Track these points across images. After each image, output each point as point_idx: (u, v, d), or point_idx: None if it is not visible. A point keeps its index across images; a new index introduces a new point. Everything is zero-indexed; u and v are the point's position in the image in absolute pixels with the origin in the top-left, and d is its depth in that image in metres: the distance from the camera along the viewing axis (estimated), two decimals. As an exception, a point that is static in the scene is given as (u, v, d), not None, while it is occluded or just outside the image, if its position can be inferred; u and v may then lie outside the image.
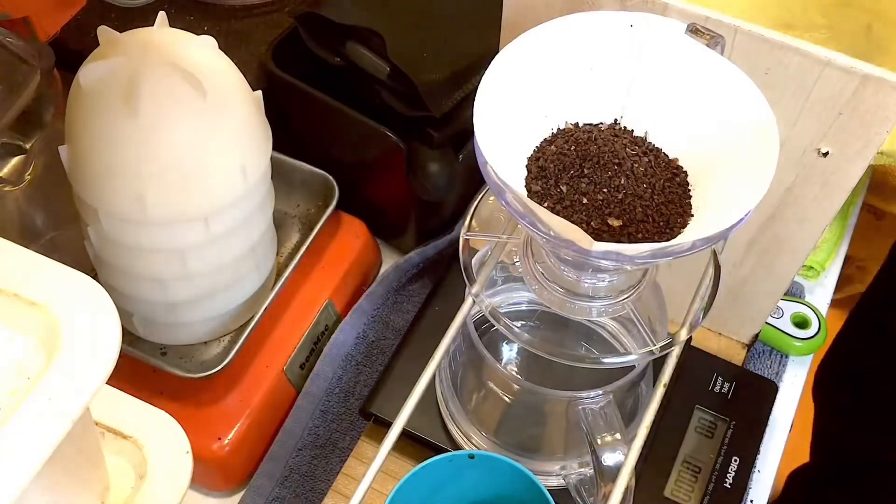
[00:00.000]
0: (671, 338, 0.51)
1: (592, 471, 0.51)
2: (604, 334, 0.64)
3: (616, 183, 0.46)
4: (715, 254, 0.54)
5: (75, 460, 0.41)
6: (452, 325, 0.54)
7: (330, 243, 0.72)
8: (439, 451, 0.60)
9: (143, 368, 0.62)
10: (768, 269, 0.63)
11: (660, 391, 0.53)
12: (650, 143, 0.49)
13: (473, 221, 0.55)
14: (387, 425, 0.53)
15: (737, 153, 0.46)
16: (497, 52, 0.47)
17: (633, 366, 0.56)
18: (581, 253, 0.41)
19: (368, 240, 0.74)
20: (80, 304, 0.37)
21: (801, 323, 0.72)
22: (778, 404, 0.67)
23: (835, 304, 0.80)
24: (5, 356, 0.38)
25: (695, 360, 0.67)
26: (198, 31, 0.56)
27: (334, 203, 0.68)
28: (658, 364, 0.55)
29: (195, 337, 0.63)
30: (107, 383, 0.36)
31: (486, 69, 0.46)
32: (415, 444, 0.63)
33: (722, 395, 0.66)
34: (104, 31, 0.53)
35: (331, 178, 0.69)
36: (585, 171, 0.47)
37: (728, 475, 0.62)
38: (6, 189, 0.65)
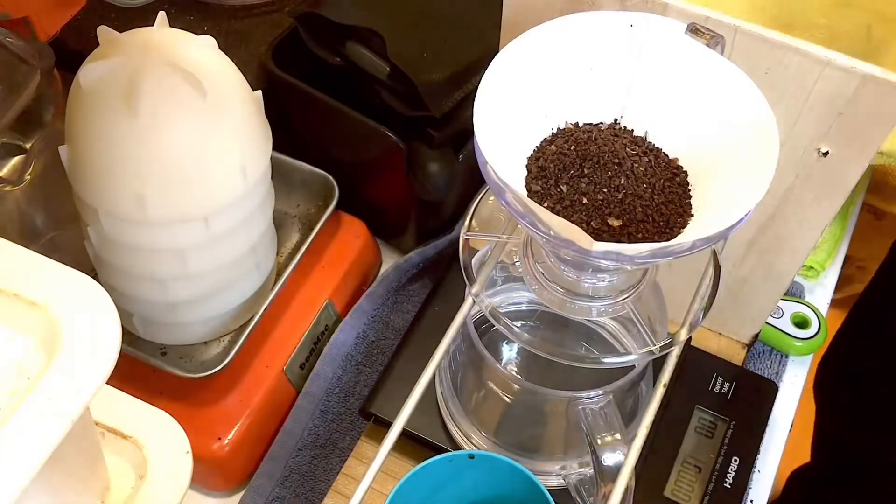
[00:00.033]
0: (671, 338, 0.51)
1: (592, 471, 0.51)
2: (604, 334, 0.64)
3: (616, 183, 0.46)
4: (715, 254, 0.54)
5: (75, 460, 0.41)
6: (452, 325, 0.54)
7: (330, 243, 0.72)
8: (439, 451, 0.60)
9: (143, 368, 0.62)
10: (768, 269, 0.63)
11: (660, 391, 0.53)
12: (650, 143, 0.49)
13: (473, 221, 0.55)
14: (387, 425, 0.53)
15: (737, 153, 0.46)
16: (497, 52, 0.47)
17: (633, 366, 0.56)
18: (581, 253, 0.41)
19: (368, 240, 0.74)
20: (80, 304, 0.37)
21: (801, 323, 0.72)
22: (778, 404, 0.67)
23: (835, 304, 0.80)
24: (5, 356, 0.38)
25: (695, 360, 0.67)
26: (198, 31, 0.56)
27: (334, 203, 0.68)
28: (658, 364, 0.55)
29: (195, 337, 0.63)
30: (107, 383, 0.36)
31: (486, 69, 0.46)
32: (415, 444, 0.63)
33: (722, 395, 0.66)
34: (104, 31, 0.53)
35: (331, 178, 0.69)
36: (585, 171, 0.47)
37: (728, 475, 0.62)
38: (6, 189, 0.65)
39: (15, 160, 0.65)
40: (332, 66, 0.68)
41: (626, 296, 0.51)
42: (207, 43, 0.55)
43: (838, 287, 0.79)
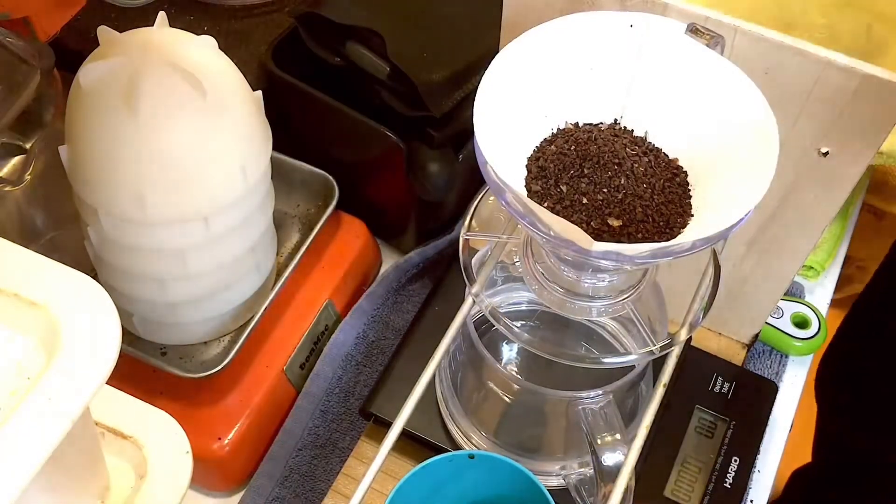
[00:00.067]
0: (671, 338, 0.51)
1: (592, 471, 0.51)
2: (604, 334, 0.64)
3: (616, 183, 0.46)
4: (715, 254, 0.54)
5: (75, 460, 0.41)
6: (452, 325, 0.54)
7: (330, 243, 0.72)
8: (439, 451, 0.60)
9: (143, 368, 0.62)
10: (768, 269, 0.63)
11: (660, 391, 0.53)
12: (650, 143, 0.49)
13: (473, 221, 0.55)
14: (387, 425, 0.53)
15: (737, 153, 0.46)
16: (497, 52, 0.47)
17: (633, 366, 0.56)
18: (581, 253, 0.41)
19: (368, 240, 0.74)
20: (80, 304, 0.37)
21: (801, 323, 0.72)
22: (778, 404, 0.67)
23: (835, 304, 0.80)
24: (5, 356, 0.38)
25: (695, 360, 0.67)
26: (198, 31, 0.56)
27: (334, 203, 0.68)
28: (658, 364, 0.55)
29: (195, 337, 0.63)
30: (107, 383, 0.36)
31: (486, 69, 0.46)
32: (415, 444, 0.63)
33: (722, 395, 0.66)
34: (104, 31, 0.53)
35: (331, 178, 0.69)
36: (585, 171, 0.47)
37: (728, 475, 0.62)
38: (6, 189, 0.65)
39: (15, 160, 0.65)
40: (332, 66, 0.68)
41: (626, 296, 0.51)
42: (207, 43, 0.55)
43: (838, 287, 0.79)
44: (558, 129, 0.49)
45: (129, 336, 0.63)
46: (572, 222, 0.40)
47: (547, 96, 0.48)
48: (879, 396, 0.87)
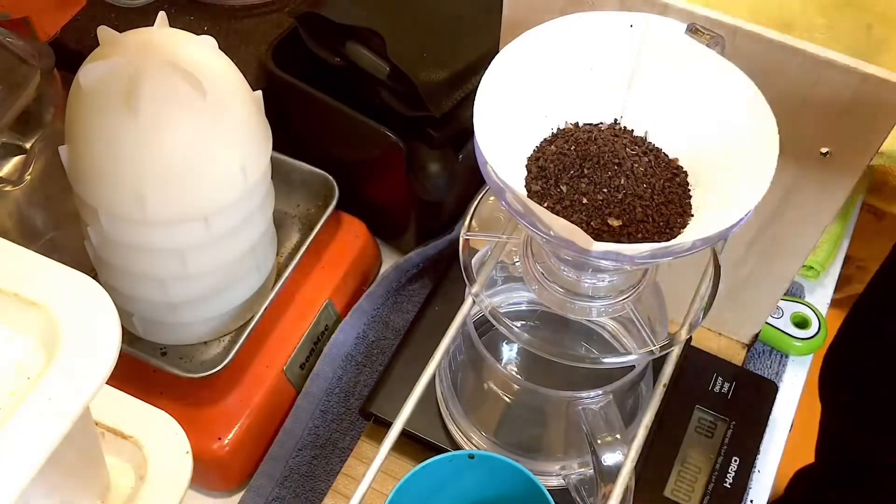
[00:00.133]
0: (671, 338, 0.51)
1: (592, 471, 0.51)
2: (604, 334, 0.64)
3: (616, 183, 0.46)
4: (715, 254, 0.54)
5: (75, 460, 0.41)
6: (452, 325, 0.54)
7: (330, 243, 0.72)
8: (439, 451, 0.60)
9: (143, 368, 0.62)
10: (768, 269, 0.63)
11: (660, 391, 0.53)
12: (650, 143, 0.49)
13: (473, 221, 0.55)
14: (387, 425, 0.53)
15: (737, 153, 0.46)
16: (497, 52, 0.47)
17: (633, 366, 0.56)
18: (581, 253, 0.41)
19: (368, 240, 0.74)
20: (80, 304, 0.37)
21: (801, 323, 0.72)
22: (778, 404, 0.67)
23: (835, 304, 0.80)
24: (5, 356, 0.38)
25: (695, 360, 0.67)
26: (198, 31, 0.56)
27: (334, 203, 0.68)
28: (658, 364, 0.55)
29: (195, 337, 0.63)
30: (107, 383, 0.36)
31: (486, 69, 0.46)
32: (415, 444, 0.63)
33: (722, 395, 0.66)
34: (104, 31, 0.53)
35: (331, 178, 0.69)
36: (585, 171, 0.47)
37: (728, 475, 0.62)
38: (6, 189, 0.65)
39: (15, 160, 0.65)
40: (332, 66, 0.68)
41: (626, 296, 0.51)
42: (207, 43, 0.55)
43: (838, 287, 0.79)
44: (558, 129, 0.49)
45: (129, 336, 0.63)
46: (572, 222, 0.40)
47: (547, 96, 0.48)
48: (879, 397, 0.87)
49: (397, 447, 0.56)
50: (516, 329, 0.51)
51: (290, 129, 0.67)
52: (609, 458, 0.50)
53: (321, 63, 0.68)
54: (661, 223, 0.45)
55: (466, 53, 0.66)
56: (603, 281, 0.50)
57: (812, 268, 0.77)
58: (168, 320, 0.61)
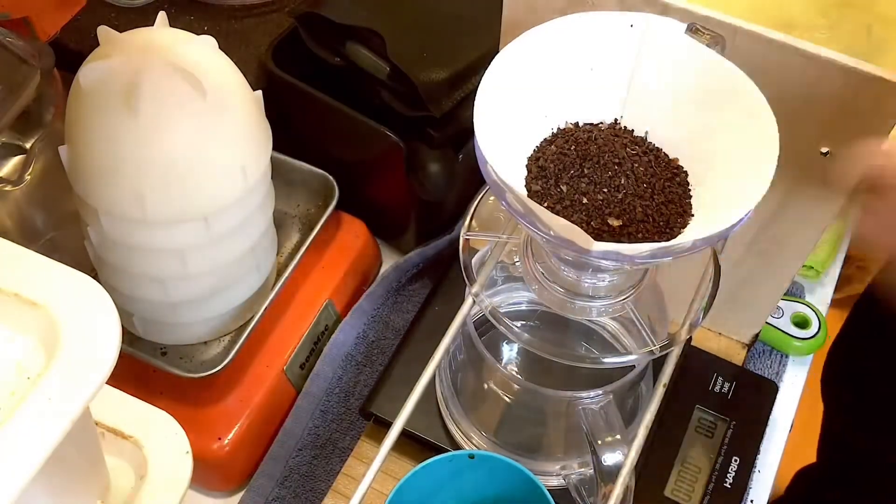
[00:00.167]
0: (671, 338, 0.51)
1: (592, 471, 0.51)
2: (604, 334, 0.64)
3: (616, 183, 0.46)
4: (715, 254, 0.54)
5: (75, 460, 0.41)
6: (452, 325, 0.54)
7: (330, 243, 0.72)
8: (439, 451, 0.60)
9: (143, 368, 0.62)
10: (768, 269, 0.63)
11: (660, 391, 0.53)
12: (650, 143, 0.49)
13: (473, 221, 0.55)
14: (387, 425, 0.53)
15: (737, 153, 0.46)
16: (497, 52, 0.47)
17: (633, 366, 0.56)
18: (581, 253, 0.41)
19: (368, 240, 0.74)
20: (80, 304, 0.37)
21: (801, 323, 0.72)
22: (778, 404, 0.67)
23: (835, 304, 0.80)
24: (5, 356, 0.38)
25: (695, 360, 0.67)
26: (198, 31, 0.56)
27: (334, 203, 0.68)
28: (658, 364, 0.55)
29: (195, 337, 0.63)
30: (107, 383, 0.36)
31: (486, 69, 0.46)
32: (415, 444, 0.63)
33: (722, 395, 0.66)
34: (104, 31, 0.53)
35: (331, 178, 0.69)
36: (585, 171, 0.47)
37: (728, 475, 0.62)
38: (6, 189, 0.65)
39: (15, 160, 0.65)
40: (332, 66, 0.68)
41: (626, 296, 0.51)
42: (207, 43, 0.55)
43: (838, 287, 0.79)
44: (558, 129, 0.49)
45: (129, 336, 0.63)
46: (572, 222, 0.40)
47: (547, 96, 0.48)
48: (880, 396, 0.87)
49: (397, 447, 0.56)
50: (516, 329, 0.51)
51: (290, 129, 0.67)
52: (609, 458, 0.50)
53: (321, 63, 0.68)
54: (661, 223, 0.45)
55: (466, 53, 0.66)
56: (603, 281, 0.50)
57: (812, 268, 0.77)
58: (168, 320, 0.61)
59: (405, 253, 0.74)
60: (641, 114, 0.49)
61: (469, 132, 0.44)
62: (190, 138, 0.52)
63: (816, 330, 0.72)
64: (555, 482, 0.59)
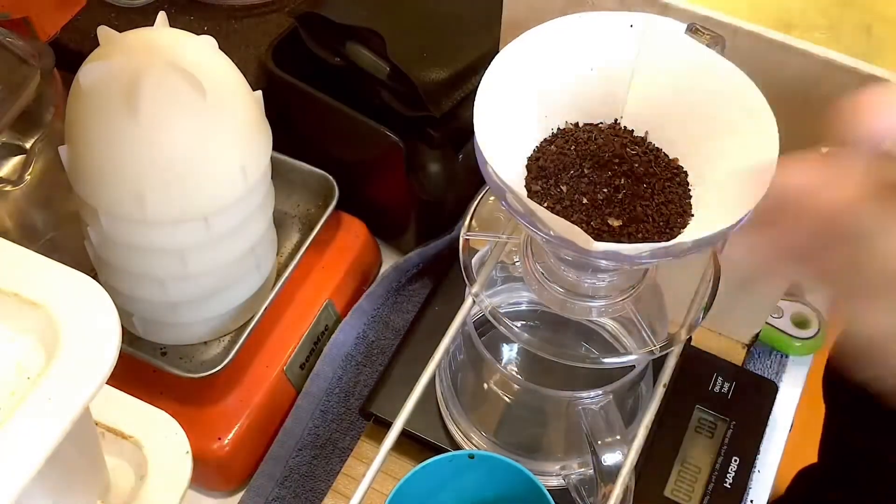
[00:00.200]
0: (671, 338, 0.51)
1: (592, 471, 0.51)
2: (604, 334, 0.64)
3: (616, 183, 0.46)
4: (715, 254, 0.54)
5: (75, 460, 0.41)
6: (452, 325, 0.54)
7: (330, 243, 0.72)
8: (439, 451, 0.60)
9: (143, 368, 0.62)
10: (768, 269, 0.63)
11: (660, 391, 0.53)
12: (650, 143, 0.49)
13: (473, 221, 0.55)
14: (387, 425, 0.53)
15: (737, 153, 0.46)
16: (497, 52, 0.47)
17: (633, 366, 0.56)
18: (581, 253, 0.41)
19: (368, 240, 0.74)
20: (80, 304, 0.37)
21: (801, 323, 0.72)
22: (778, 404, 0.67)
23: (835, 303, 0.79)
24: (5, 356, 0.38)
25: (695, 360, 0.67)
26: (198, 31, 0.56)
27: (334, 203, 0.68)
28: (658, 364, 0.55)
29: (195, 337, 0.63)
30: (107, 383, 0.36)
31: (486, 69, 0.46)
32: (415, 444, 0.63)
33: (722, 395, 0.66)
34: (104, 31, 0.53)
35: (331, 178, 0.69)
36: (585, 171, 0.47)
37: (728, 475, 0.62)
38: (6, 189, 0.65)
39: (15, 160, 0.65)
40: (332, 66, 0.68)
41: (626, 296, 0.51)
42: (207, 43, 0.55)
43: (838, 287, 0.79)
44: (558, 129, 0.49)
45: (129, 336, 0.63)
46: (572, 222, 0.40)
47: (547, 96, 0.48)
48: (879, 396, 0.87)
49: (397, 447, 0.56)
50: (516, 329, 0.51)
51: (290, 129, 0.67)
52: (609, 458, 0.50)
53: (321, 63, 0.68)
54: (661, 223, 0.45)
55: (466, 53, 0.66)
56: (603, 281, 0.50)
57: (812, 268, 0.77)
58: (168, 320, 0.61)
59: (405, 253, 0.74)
60: (641, 114, 0.49)
61: (469, 132, 0.44)
62: (190, 138, 0.52)
63: (816, 330, 0.72)
64: (555, 482, 0.59)
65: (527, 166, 0.48)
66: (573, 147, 0.48)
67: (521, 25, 0.48)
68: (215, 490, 0.66)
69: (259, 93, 0.58)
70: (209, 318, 0.62)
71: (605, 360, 0.51)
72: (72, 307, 0.37)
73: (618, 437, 0.51)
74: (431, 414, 0.63)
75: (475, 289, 0.53)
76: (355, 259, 0.72)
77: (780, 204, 0.32)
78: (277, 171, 0.62)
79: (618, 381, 0.55)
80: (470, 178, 0.65)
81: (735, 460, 0.63)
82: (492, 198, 0.56)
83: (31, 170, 0.65)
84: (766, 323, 0.71)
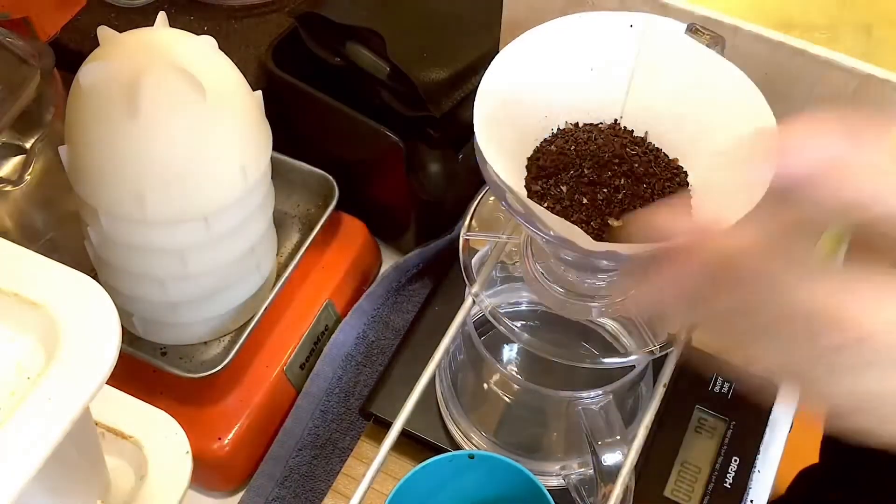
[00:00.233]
0: (671, 338, 0.51)
1: (592, 471, 0.51)
2: (604, 334, 0.64)
3: (616, 183, 0.46)
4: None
5: (75, 460, 0.41)
6: (452, 325, 0.54)
7: (330, 243, 0.72)
8: (439, 451, 0.60)
9: (143, 368, 0.62)
10: (768, 269, 0.63)
11: (660, 391, 0.53)
12: (650, 143, 0.49)
13: (473, 221, 0.55)
14: (387, 425, 0.53)
15: (737, 153, 0.46)
16: (497, 52, 0.47)
17: (633, 366, 0.56)
18: (581, 253, 0.41)
19: (368, 240, 0.74)
20: (80, 304, 0.37)
21: (801, 323, 0.72)
22: (778, 404, 0.67)
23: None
24: (5, 356, 0.38)
25: (695, 360, 0.67)
26: (198, 31, 0.56)
27: (334, 203, 0.68)
28: (658, 364, 0.55)
29: (195, 337, 0.63)
30: (107, 383, 0.36)
31: (486, 69, 0.46)
32: (415, 444, 0.63)
33: (722, 395, 0.66)
34: (104, 31, 0.53)
35: (331, 178, 0.69)
36: (585, 171, 0.47)
37: (728, 475, 0.62)
38: (6, 189, 0.65)
39: (15, 160, 0.65)
40: (332, 66, 0.68)
41: (626, 296, 0.51)
42: (207, 43, 0.55)
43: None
44: (558, 129, 0.49)
45: (129, 336, 0.63)
46: (572, 222, 0.40)
47: (547, 96, 0.48)
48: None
49: (397, 447, 0.56)
50: (516, 329, 0.51)
51: (290, 129, 0.67)
52: (609, 458, 0.50)
53: (321, 63, 0.68)
54: (661, 223, 0.45)
55: (466, 53, 0.66)
56: (603, 281, 0.50)
57: (812, 268, 0.77)
58: (168, 320, 0.61)
59: (405, 253, 0.74)
60: (641, 114, 0.49)
61: (469, 132, 0.44)
62: (190, 138, 0.52)
63: (816, 330, 0.72)
64: (555, 482, 0.59)
65: (527, 166, 0.48)
66: (573, 147, 0.48)
67: (521, 25, 0.48)
68: (215, 490, 0.66)
69: (259, 93, 0.58)
70: (209, 318, 0.62)
71: (605, 360, 0.51)
72: (72, 307, 0.37)
73: (618, 437, 0.51)
74: (431, 414, 0.63)
75: (475, 289, 0.53)
76: (355, 259, 0.72)
77: (675, 246, 0.32)
78: (277, 171, 0.62)
79: (618, 381, 0.55)
80: (470, 178, 0.65)
81: (735, 460, 0.63)
82: (492, 198, 0.56)
83: (31, 170, 0.65)
84: (766, 323, 0.71)
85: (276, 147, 0.59)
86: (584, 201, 0.46)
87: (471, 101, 0.45)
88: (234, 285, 0.61)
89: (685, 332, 0.51)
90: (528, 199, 0.41)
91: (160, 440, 0.48)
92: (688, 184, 0.47)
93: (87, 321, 0.37)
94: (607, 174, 0.47)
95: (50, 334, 0.37)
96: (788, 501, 1.06)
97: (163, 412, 0.49)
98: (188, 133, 0.52)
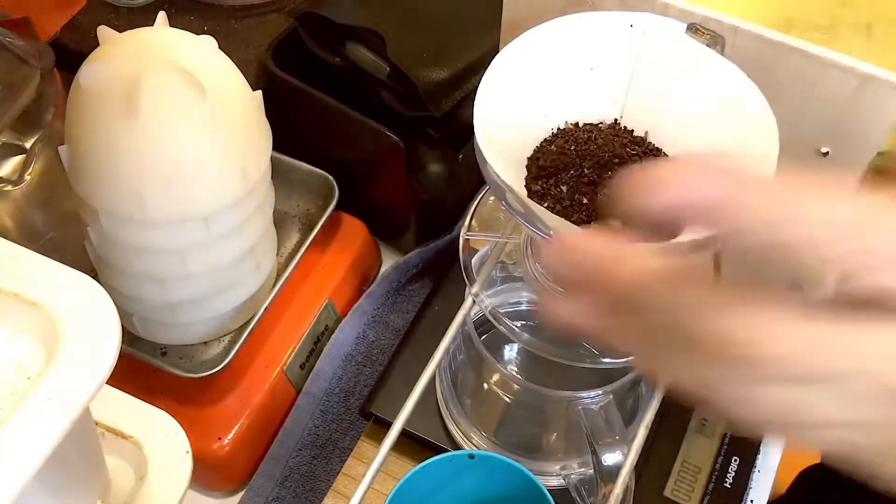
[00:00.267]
0: (671, 338, 0.51)
1: (592, 471, 0.51)
2: (604, 334, 0.64)
3: (616, 183, 0.46)
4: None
5: (75, 460, 0.41)
6: (452, 325, 0.54)
7: (330, 243, 0.72)
8: (439, 451, 0.60)
9: (143, 368, 0.62)
10: (768, 268, 0.63)
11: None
12: (650, 143, 0.49)
13: (473, 221, 0.55)
14: (387, 425, 0.53)
15: (737, 154, 0.46)
16: (497, 52, 0.47)
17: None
18: (581, 253, 0.41)
19: (368, 240, 0.74)
20: (80, 304, 0.37)
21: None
22: (778, 404, 0.67)
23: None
24: (5, 356, 0.38)
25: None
26: (198, 31, 0.56)
27: (334, 203, 0.68)
28: (658, 364, 0.55)
29: (195, 337, 0.63)
30: (107, 383, 0.36)
31: (486, 69, 0.46)
32: (415, 444, 0.63)
33: (722, 395, 0.66)
34: (104, 31, 0.53)
35: (331, 178, 0.69)
36: (585, 171, 0.47)
37: (728, 475, 0.62)
38: (6, 189, 0.65)
39: (15, 160, 0.65)
40: (332, 66, 0.68)
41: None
42: (207, 43, 0.55)
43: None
44: (558, 129, 0.49)
45: (129, 336, 0.63)
46: (572, 222, 0.40)
47: (547, 96, 0.48)
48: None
49: (397, 447, 0.56)
50: (516, 329, 0.51)
51: (290, 129, 0.67)
52: (609, 458, 0.50)
53: (321, 63, 0.68)
54: (661, 223, 0.45)
55: (466, 53, 0.66)
56: (603, 281, 0.50)
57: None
58: (168, 320, 0.61)
59: (405, 253, 0.74)
60: (641, 114, 0.49)
61: (469, 132, 0.44)
62: (190, 139, 0.52)
63: (816, 330, 0.72)
64: (555, 482, 0.59)
65: (527, 166, 0.48)
66: (573, 147, 0.48)
67: (521, 25, 0.48)
68: (215, 490, 0.66)
69: (259, 93, 0.57)
70: (209, 318, 0.62)
71: (605, 360, 0.51)
72: (72, 307, 0.37)
73: (618, 437, 0.51)
74: (431, 414, 0.63)
75: (475, 289, 0.53)
76: (355, 259, 0.72)
77: (585, 269, 0.33)
78: (277, 171, 0.62)
79: (618, 381, 0.55)
80: (470, 178, 0.65)
81: (735, 460, 0.63)
82: (492, 198, 0.56)
83: (31, 170, 0.65)
84: (766, 323, 0.71)
85: (276, 147, 0.59)
86: (585, 201, 0.46)
87: (471, 101, 0.45)
88: (234, 285, 0.61)
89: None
90: (528, 199, 0.41)
91: (160, 440, 0.48)
92: (688, 184, 0.47)
93: (87, 321, 0.37)
94: (607, 174, 0.47)
95: (50, 334, 0.37)
96: (788, 501, 1.06)
97: (163, 412, 0.49)
98: (188, 133, 0.52)
